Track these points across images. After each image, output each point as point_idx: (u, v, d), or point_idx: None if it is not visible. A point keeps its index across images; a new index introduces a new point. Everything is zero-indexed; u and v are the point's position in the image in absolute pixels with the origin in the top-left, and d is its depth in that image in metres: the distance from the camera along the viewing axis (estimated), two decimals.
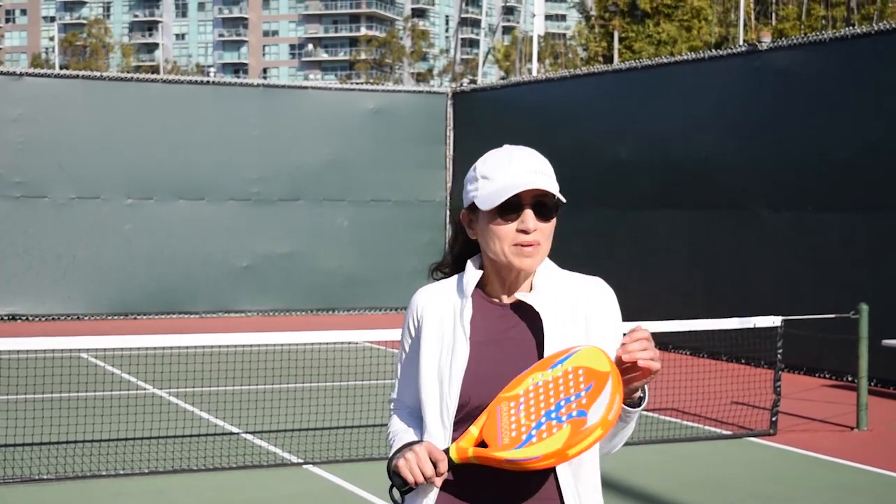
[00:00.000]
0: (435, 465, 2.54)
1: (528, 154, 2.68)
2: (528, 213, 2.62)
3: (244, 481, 8.04)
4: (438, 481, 2.55)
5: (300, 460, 8.60)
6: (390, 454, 2.68)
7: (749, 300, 13.46)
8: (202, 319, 18.33)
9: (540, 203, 2.64)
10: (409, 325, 2.80)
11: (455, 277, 2.78)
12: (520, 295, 2.68)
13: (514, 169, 2.63)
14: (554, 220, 2.68)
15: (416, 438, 2.68)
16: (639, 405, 2.61)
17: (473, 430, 2.56)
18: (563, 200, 2.64)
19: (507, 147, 2.71)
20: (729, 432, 9.86)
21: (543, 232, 2.65)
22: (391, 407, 2.90)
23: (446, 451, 2.55)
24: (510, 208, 2.63)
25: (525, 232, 2.62)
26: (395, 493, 2.60)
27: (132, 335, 10.58)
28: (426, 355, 2.71)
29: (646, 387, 2.59)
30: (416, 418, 2.76)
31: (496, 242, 2.65)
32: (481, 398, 2.62)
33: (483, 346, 2.67)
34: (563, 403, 2.48)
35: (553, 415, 2.47)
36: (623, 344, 2.51)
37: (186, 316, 18.54)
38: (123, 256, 18.23)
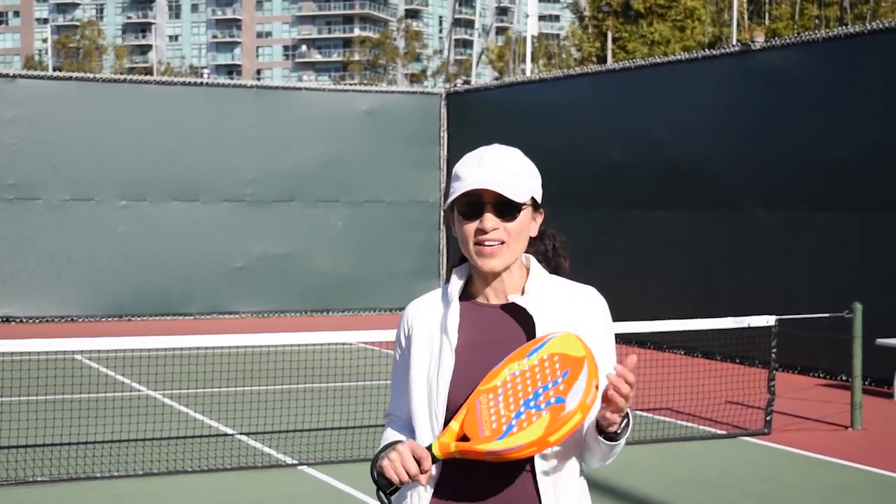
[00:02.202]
0: (419, 462, 2.51)
1: (501, 153, 2.64)
2: (487, 214, 2.59)
3: (239, 483, 8.04)
4: (423, 479, 2.52)
5: (294, 461, 8.60)
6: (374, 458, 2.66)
7: (743, 300, 13.46)
8: (196, 321, 18.30)
9: (502, 203, 2.60)
10: (399, 337, 2.78)
11: (444, 287, 2.77)
12: (512, 297, 2.66)
13: (481, 168, 2.60)
14: (521, 220, 2.63)
15: (400, 439, 2.65)
16: (616, 438, 2.51)
17: (454, 425, 2.54)
18: (519, 201, 2.59)
19: (486, 146, 2.68)
20: (723, 432, 9.87)
21: (509, 232, 2.61)
22: (385, 422, 2.87)
23: (429, 448, 2.53)
24: (472, 208, 2.61)
25: (483, 231, 2.60)
26: (382, 495, 2.57)
27: (126, 337, 10.55)
28: (416, 366, 2.69)
29: (628, 422, 2.52)
30: (409, 430, 2.73)
31: (462, 242, 2.65)
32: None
33: (471, 350, 2.65)
34: (540, 391, 2.48)
35: (532, 403, 2.47)
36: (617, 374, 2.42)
37: (181, 317, 18.52)
38: (118, 258, 18.22)
